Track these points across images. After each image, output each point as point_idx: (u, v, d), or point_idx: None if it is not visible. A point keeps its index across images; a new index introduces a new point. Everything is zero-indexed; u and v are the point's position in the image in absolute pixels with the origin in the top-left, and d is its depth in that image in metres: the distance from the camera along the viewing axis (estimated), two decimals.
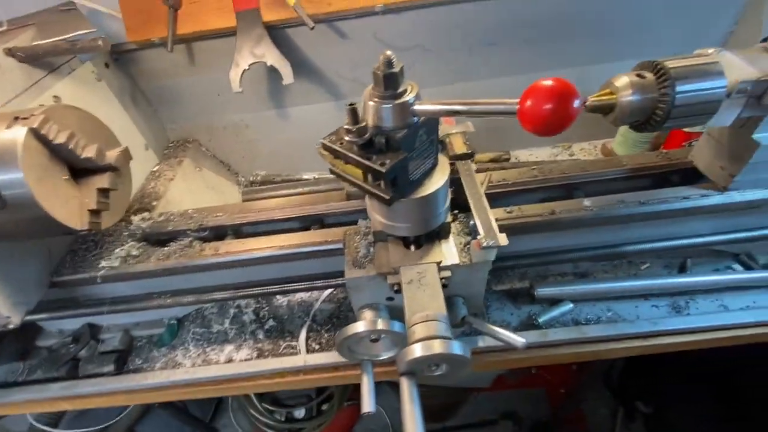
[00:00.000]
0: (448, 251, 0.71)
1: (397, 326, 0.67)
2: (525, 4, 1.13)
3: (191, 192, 1.25)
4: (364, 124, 0.57)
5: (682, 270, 0.95)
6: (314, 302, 0.99)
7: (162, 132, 1.38)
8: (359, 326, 0.66)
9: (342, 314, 0.97)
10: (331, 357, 0.87)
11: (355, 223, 0.84)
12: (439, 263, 0.69)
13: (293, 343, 0.92)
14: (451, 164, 0.86)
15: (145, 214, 1.00)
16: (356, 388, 0.75)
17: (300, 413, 1.89)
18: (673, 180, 0.90)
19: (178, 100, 1.32)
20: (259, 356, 0.92)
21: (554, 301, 0.90)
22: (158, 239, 0.96)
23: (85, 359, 0.97)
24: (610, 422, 2.02)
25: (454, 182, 0.83)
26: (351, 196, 0.96)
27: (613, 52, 1.22)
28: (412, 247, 0.73)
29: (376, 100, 0.57)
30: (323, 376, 0.89)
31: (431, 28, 1.17)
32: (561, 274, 0.96)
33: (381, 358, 0.75)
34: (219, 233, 0.96)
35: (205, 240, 0.94)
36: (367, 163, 0.58)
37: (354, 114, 0.57)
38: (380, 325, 0.67)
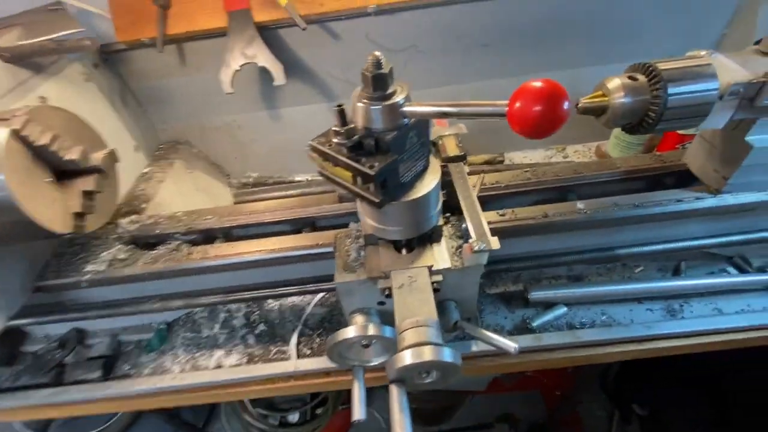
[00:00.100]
0: (440, 255, 0.70)
1: (388, 331, 0.65)
2: (518, 6, 1.13)
3: (182, 194, 1.24)
4: (352, 125, 0.56)
5: (676, 273, 0.94)
6: (306, 306, 0.98)
7: (153, 133, 1.37)
8: (349, 332, 0.65)
9: (334, 318, 0.95)
10: (322, 362, 0.86)
11: (347, 225, 0.82)
12: (430, 267, 0.68)
13: (284, 348, 0.91)
14: (444, 167, 0.85)
15: (134, 217, 0.98)
16: (351, 392, 0.73)
17: (294, 417, 1.87)
18: (666, 182, 0.89)
19: (168, 100, 1.30)
20: (249, 362, 0.90)
21: (548, 305, 0.89)
22: (146, 242, 0.95)
23: (71, 365, 0.95)
24: (606, 424, 2.01)
25: (447, 185, 0.82)
26: (343, 199, 0.94)
27: (605, 54, 1.22)
28: (404, 251, 0.72)
29: (364, 101, 0.56)
30: (314, 382, 0.87)
31: (424, 29, 1.16)
32: (555, 277, 0.95)
33: (372, 363, 0.74)
34: (209, 236, 0.94)
35: (194, 243, 0.92)
36: (356, 165, 0.56)
37: (342, 115, 0.56)
38: (371, 330, 0.65)
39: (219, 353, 0.93)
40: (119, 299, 0.93)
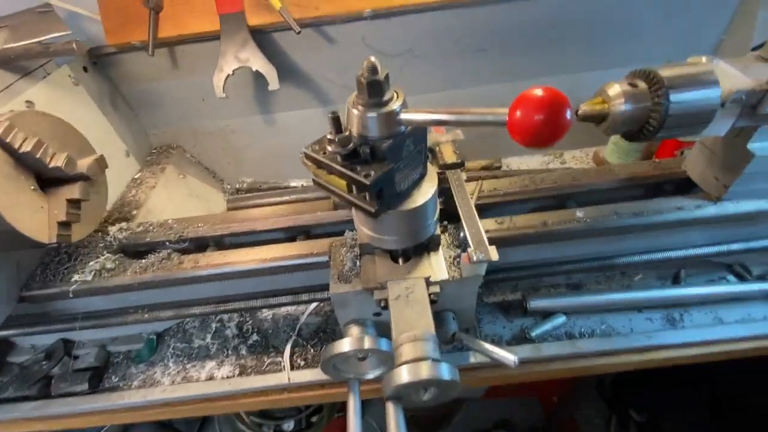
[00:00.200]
0: (437, 265, 0.69)
1: (384, 344, 0.64)
2: (516, 11, 1.11)
3: (174, 200, 1.21)
4: (347, 133, 0.54)
5: (675, 280, 0.93)
6: (300, 315, 0.96)
7: (144, 138, 1.34)
8: (345, 345, 0.63)
9: (329, 328, 0.93)
10: (316, 374, 0.84)
11: (342, 233, 0.81)
12: (427, 278, 0.66)
13: (278, 359, 0.88)
14: (441, 174, 0.84)
15: (123, 225, 0.95)
16: (346, 404, 0.72)
17: (289, 426, 1.84)
18: (665, 189, 0.88)
19: (160, 104, 1.28)
20: (241, 373, 0.88)
21: (547, 314, 0.88)
22: (136, 251, 0.92)
23: (58, 377, 0.92)
24: (604, 430, 2.00)
25: (444, 192, 0.80)
26: (338, 206, 0.93)
27: (604, 59, 1.21)
28: (400, 260, 0.70)
29: (360, 108, 0.54)
30: (308, 395, 0.85)
31: (421, 33, 1.15)
32: (554, 286, 0.93)
33: (368, 377, 0.72)
34: (200, 244, 0.92)
35: (185, 251, 0.90)
36: (351, 174, 0.55)
37: (337, 122, 0.54)
38: (367, 343, 0.63)
39: (211, 364, 0.91)
40: (107, 309, 0.90)
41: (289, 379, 0.84)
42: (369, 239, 0.68)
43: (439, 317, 0.74)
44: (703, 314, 0.86)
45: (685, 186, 0.86)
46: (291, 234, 0.92)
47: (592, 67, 1.22)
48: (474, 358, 0.81)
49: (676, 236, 0.84)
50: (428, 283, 0.66)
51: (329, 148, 0.56)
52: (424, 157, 0.64)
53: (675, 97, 0.59)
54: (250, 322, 0.96)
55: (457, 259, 0.71)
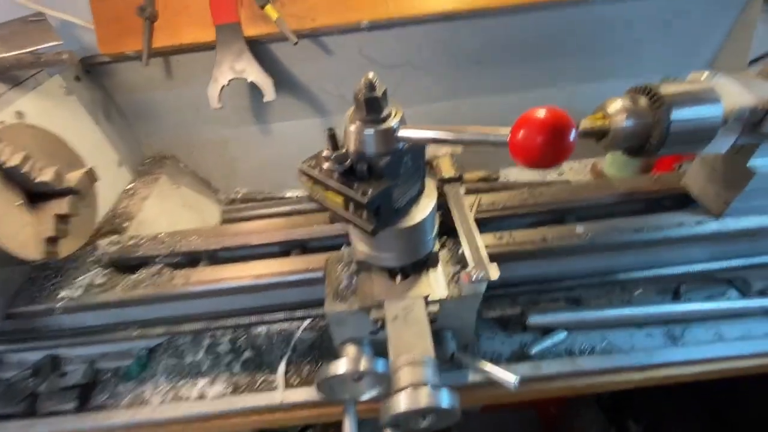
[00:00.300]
0: (436, 283, 0.67)
1: (381, 365, 0.62)
2: (514, 23, 1.11)
3: (167, 211, 1.19)
4: (344, 150, 0.53)
5: (675, 295, 0.92)
6: (295, 330, 0.93)
7: (137, 147, 1.32)
8: (340, 366, 0.61)
9: (324, 344, 0.91)
10: (311, 393, 0.81)
11: (338, 246, 0.79)
12: (426, 297, 0.64)
13: (271, 378, 0.86)
14: (439, 188, 0.82)
15: (114, 238, 0.93)
16: (342, 425, 0.69)
17: None
18: (665, 204, 0.87)
19: (155, 114, 1.26)
20: (234, 392, 0.85)
21: (546, 330, 0.86)
22: (127, 265, 0.90)
23: (44, 395, 0.89)
24: None
25: (442, 205, 0.79)
26: (334, 219, 0.91)
27: (601, 71, 1.21)
28: (398, 278, 0.69)
29: (357, 124, 0.53)
30: (303, 414, 0.83)
31: (418, 45, 1.14)
32: (553, 300, 0.92)
33: (364, 397, 0.70)
34: (192, 259, 0.90)
35: (177, 266, 0.88)
36: (347, 192, 0.53)
37: (333, 139, 0.53)
38: (363, 364, 0.61)
39: (202, 382, 0.88)
40: (96, 325, 0.87)
41: (283, 398, 0.81)
42: (366, 256, 0.66)
43: (437, 336, 0.73)
44: (704, 330, 0.85)
45: (684, 201, 0.85)
46: (286, 248, 0.90)
47: (589, 79, 1.22)
48: (473, 377, 0.79)
49: (677, 251, 0.83)
50: (427, 302, 0.64)
51: (325, 165, 0.54)
52: (423, 172, 0.63)
53: (676, 114, 0.58)
54: (243, 337, 0.94)
55: (457, 277, 0.69)
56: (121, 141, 1.23)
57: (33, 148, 0.69)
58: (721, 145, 0.65)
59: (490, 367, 0.64)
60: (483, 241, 0.67)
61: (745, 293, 0.90)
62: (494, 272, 0.61)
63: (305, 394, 0.82)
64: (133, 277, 0.83)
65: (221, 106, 1.09)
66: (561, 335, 0.84)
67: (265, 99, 1.09)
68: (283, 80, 1.17)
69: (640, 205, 0.89)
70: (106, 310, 0.81)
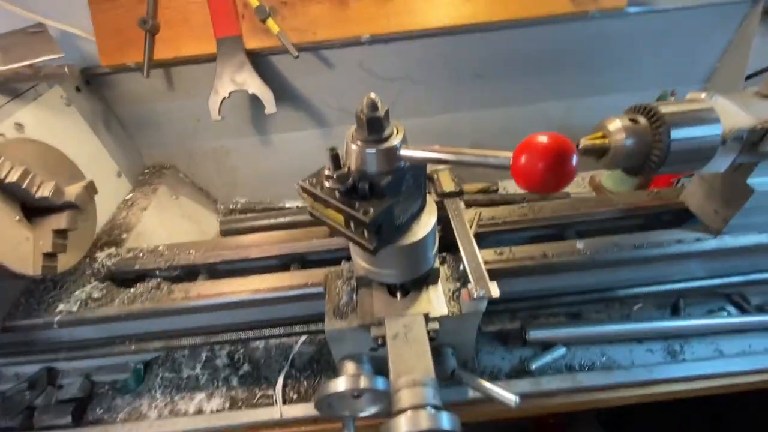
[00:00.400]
0: (437, 300, 0.67)
1: (381, 383, 0.61)
2: (514, 37, 1.12)
3: (166, 222, 1.19)
4: (346, 170, 0.53)
5: (674, 310, 0.92)
6: (293, 344, 0.93)
7: (137, 158, 1.32)
8: (340, 384, 0.61)
9: (323, 358, 0.90)
10: (309, 408, 0.81)
11: (338, 260, 0.79)
12: (426, 315, 0.64)
13: (269, 392, 0.85)
14: (439, 202, 0.82)
15: (112, 250, 0.93)
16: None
17: None
18: (664, 220, 0.88)
19: (155, 125, 1.26)
20: (231, 406, 0.84)
21: (547, 345, 0.86)
22: (124, 278, 0.89)
23: (41, 408, 0.88)
24: None
25: (442, 219, 0.79)
26: (334, 233, 0.91)
27: (601, 85, 1.22)
28: (398, 295, 0.68)
29: (359, 143, 0.53)
30: (301, 430, 0.82)
31: (419, 59, 1.15)
32: (553, 315, 0.92)
33: (363, 414, 0.69)
34: (191, 272, 0.89)
35: (175, 279, 0.87)
36: (349, 210, 0.53)
37: (336, 159, 0.53)
38: (363, 382, 0.61)
39: (200, 396, 0.87)
40: (93, 339, 0.87)
41: (281, 414, 0.81)
42: (366, 272, 0.66)
43: (437, 353, 0.72)
44: (703, 346, 0.85)
45: (683, 216, 0.86)
46: (285, 261, 0.90)
47: (589, 93, 1.23)
48: (472, 393, 0.79)
49: (676, 267, 0.83)
50: (427, 319, 0.64)
51: (327, 183, 0.54)
52: (424, 189, 0.63)
53: (676, 133, 0.59)
54: (241, 351, 0.93)
55: (457, 294, 0.69)
56: (120, 151, 1.23)
57: (33, 162, 0.69)
58: (720, 163, 0.65)
59: (490, 386, 0.64)
60: (483, 257, 0.67)
61: (743, 309, 0.90)
62: (495, 291, 0.61)
63: (304, 409, 0.81)
64: (131, 291, 0.83)
65: (222, 117, 1.09)
66: (561, 350, 0.84)
67: (266, 111, 1.09)
68: (283, 92, 1.18)
69: (640, 221, 0.89)
70: (103, 324, 0.81)
